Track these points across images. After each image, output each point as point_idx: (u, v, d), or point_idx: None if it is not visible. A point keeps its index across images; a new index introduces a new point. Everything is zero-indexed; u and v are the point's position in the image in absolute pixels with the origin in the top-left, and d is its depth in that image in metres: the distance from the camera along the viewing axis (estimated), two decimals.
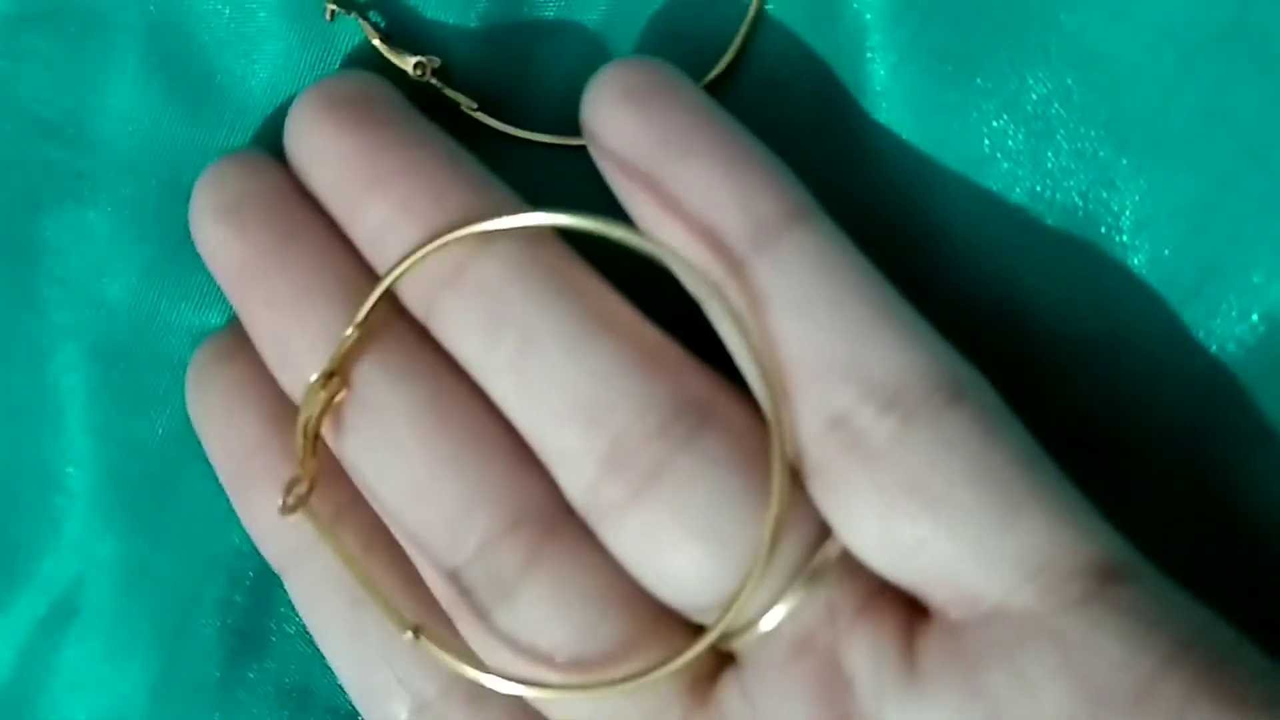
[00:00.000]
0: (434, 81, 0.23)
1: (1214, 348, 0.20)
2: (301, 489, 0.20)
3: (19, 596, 0.24)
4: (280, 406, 0.21)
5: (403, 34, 0.23)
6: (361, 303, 0.20)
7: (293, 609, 0.23)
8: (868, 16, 0.21)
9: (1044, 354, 0.21)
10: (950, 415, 0.18)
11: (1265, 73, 0.19)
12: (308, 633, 0.22)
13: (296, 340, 0.21)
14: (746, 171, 0.19)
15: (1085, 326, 0.21)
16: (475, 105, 0.23)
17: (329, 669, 0.22)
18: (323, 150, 0.21)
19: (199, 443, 0.22)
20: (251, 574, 0.24)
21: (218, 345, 0.22)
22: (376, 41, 0.23)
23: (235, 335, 0.22)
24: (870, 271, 0.19)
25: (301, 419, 0.20)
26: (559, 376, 0.19)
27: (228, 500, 0.22)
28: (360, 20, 0.23)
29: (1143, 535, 0.18)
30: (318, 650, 0.22)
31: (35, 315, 0.24)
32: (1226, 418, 0.20)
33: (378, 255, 0.20)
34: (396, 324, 0.21)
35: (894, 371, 0.18)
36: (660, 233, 0.19)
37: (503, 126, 0.23)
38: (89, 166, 0.24)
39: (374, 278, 0.20)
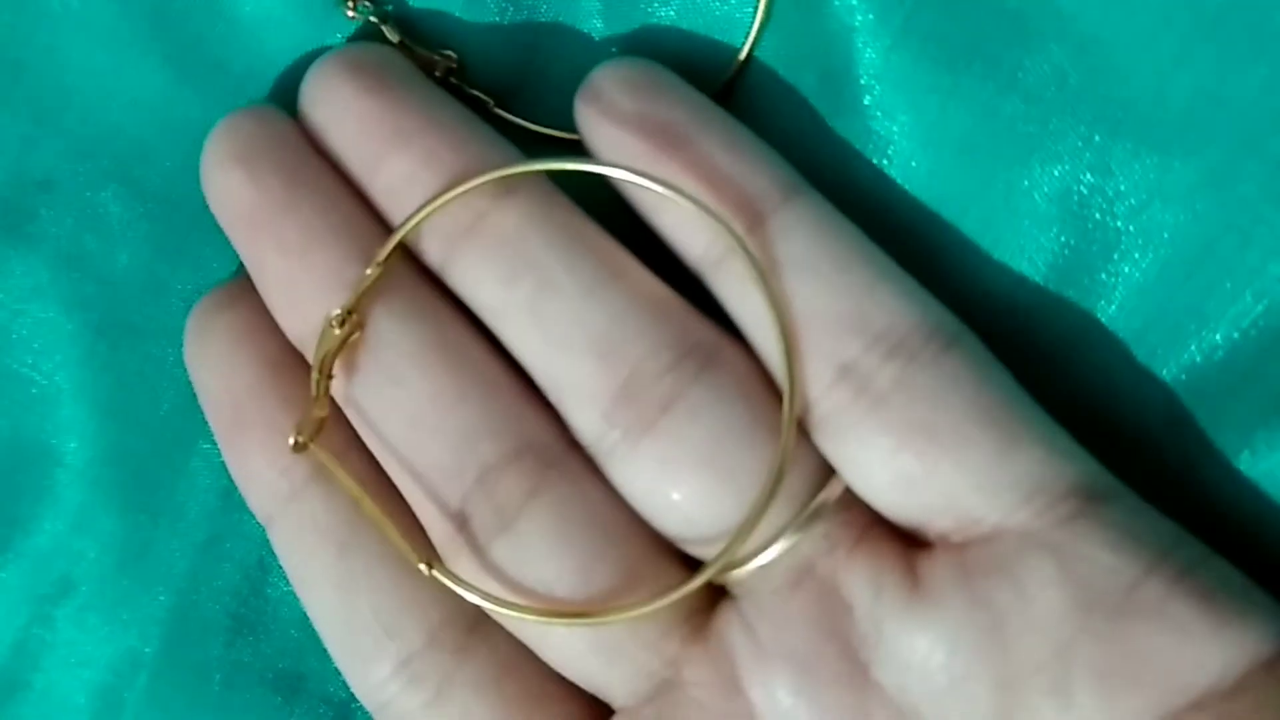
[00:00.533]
0: (453, 80, 0.23)
1: (1208, 330, 0.21)
2: (313, 426, 0.21)
3: (17, 572, 0.24)
4: (279, 355, 0.22)
5: (417, 29, 0.23)
6: (372, 251, 0.21)
7: (291, 594, 0.23)
8: (858, 7, 0.21)
9: (1038, 337, 0.21)
10: (947, 358, 0.19)
11: (1262, 57, 0.20)
12: (304, 618, 0.22)
13: (305, 284, 0.21)
14: (743, 152, 0.20)
15: (1078, 311, 0.21)
16: (493, 104, 0.23)
17: (323, 656, 0.22)
18: (344, 108, 0.21)
19: (204, 420, 0.23)
20: (251, 556, 0.24)
21: (219, 296, 0.22)
22: (395, 40, 0.23)
23: (237, 288, 0.22)
24: (862, 237, 0.20)
25: (317, 356, 0.20)
26: (576, 315, 0.20)
27: (230, 479, 0.22)
28: (377, 20, 0.23)
29: None
30: (312, 637, 0.22)
31: (40, 292, 0.24)
32: (1221, 401, 0.21)
33: (398, 206, 0.21)
34: (410, 271, 0.21)
35: (895, 321, 0.19)
36: (664, 210, 0.20)
37: (525, 123, 0.23)
38: (100, 149, 0.24)
39: (386, 229, 0.21)
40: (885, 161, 0.22)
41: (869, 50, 0.21)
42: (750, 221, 0.20)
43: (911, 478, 0.19)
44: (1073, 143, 0.21)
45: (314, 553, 0.21)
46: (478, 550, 0.20)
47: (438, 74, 0.23)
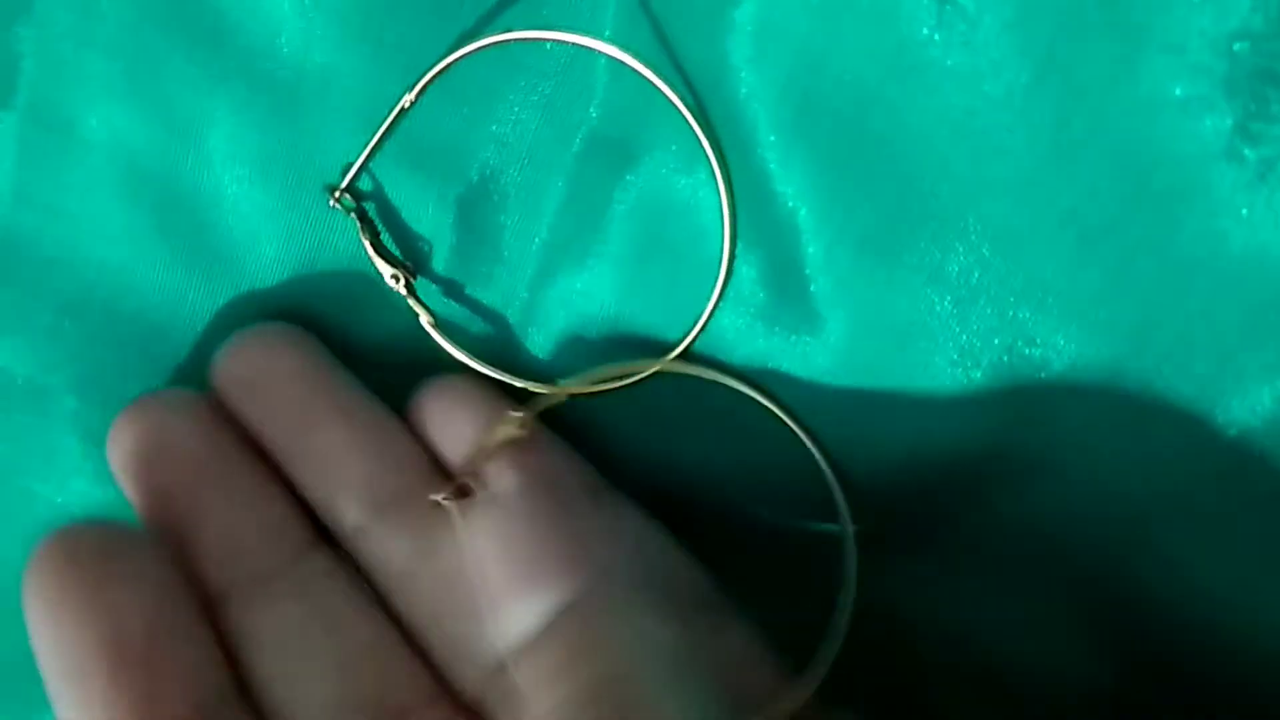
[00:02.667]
0: (401, 292, 0.24)
1: (1129, 479, 0.22)
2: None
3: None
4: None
5: (399, 225, 0.25)
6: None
7: None
8: (801, 209, 0.22)
9: (988, 505, 0.23)
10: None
11: (1161, 250, 0.21)
12: None
13: None
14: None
15: (1021, 479, 0.23)
16: (433, 321, 0.24)
17: None
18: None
19: None
20: None
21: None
22: (366, 243, 0.24)
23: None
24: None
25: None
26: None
27: None
28: (355, 218, 0.24)
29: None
30: None
31: (74, 470, 0.26)
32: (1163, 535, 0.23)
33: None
34: None
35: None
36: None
37: (454, 351, 0.24)
38: (120, 341, 0.26)
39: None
40: (827, 348, 0.23)
41: (811, 246, 0.23)
42: None
43: None
44: (1000, 318, 0.22)
45: None
46: None
47: (391, 282, 0.24)
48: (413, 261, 0.24)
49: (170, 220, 0.25)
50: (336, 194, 0.24)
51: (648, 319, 0.24)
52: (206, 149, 0.24)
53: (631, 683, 0.21)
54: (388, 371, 0.25)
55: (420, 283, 0.24)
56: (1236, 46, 0.19)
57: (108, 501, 0.26)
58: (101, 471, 0.26)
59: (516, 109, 0.23)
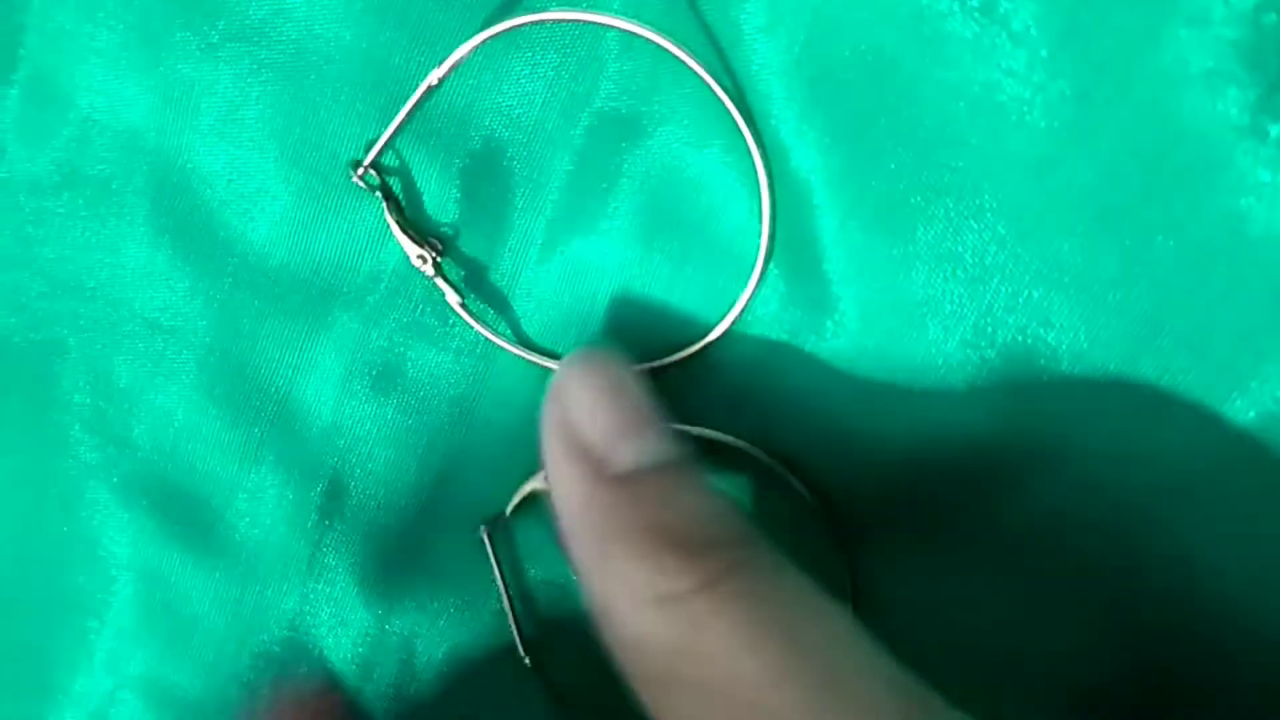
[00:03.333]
0: (429, 273, 0.24)
1: (1140, 469, 0.22)
2: None
3: (57, 712, 0.27)
4: None
5: (415, 205, 0.24)
6: None
7: None
8: (814, 184, 0.22)
9: (991, 478, 0.23)
10: None
11: (1181, 231, 0.21)
12: None
13: None
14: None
15: (1028, 456, 0.23)
16: (461, 301, 0.24)
17: None
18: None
19: (219, 570, 0.25)
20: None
21: None
22: (391, 222, 0.24)
23: None
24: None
25: None
26: None
27: (242, 623, 0.25)
28: (380, 196, 0.24)
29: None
30: None
31: (65, 455, 0.27)
32: (1157, 531, 0.22)
33: None
34: None
35: None
36: None
37: (481, 330, 0.24)
38: (109, 319, 0.26)
39: None
40: (841, 326, 0.23)
41: (825, 221, 0.22)
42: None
43: None
44: (1014, 299, 0.22)
45: None
46: None
47: (418, 262, 0.24)
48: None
49: (163, 197, 0.25)
50: (360, 171, 0.24)
51: (657, 296, 0.24)
52: (203, 123, 0.24)
53: None
54: (370, 352, 0.25)
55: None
56: (1265, 19, 0.19)
57: (109, 480, 0.27)
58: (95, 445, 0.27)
59: (524, 82, 0.23)
